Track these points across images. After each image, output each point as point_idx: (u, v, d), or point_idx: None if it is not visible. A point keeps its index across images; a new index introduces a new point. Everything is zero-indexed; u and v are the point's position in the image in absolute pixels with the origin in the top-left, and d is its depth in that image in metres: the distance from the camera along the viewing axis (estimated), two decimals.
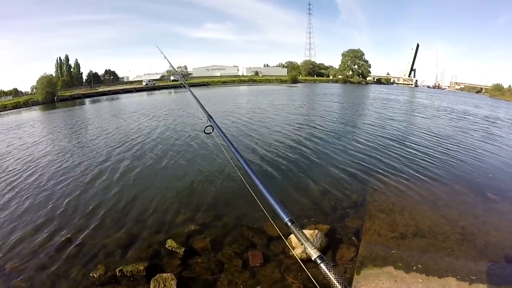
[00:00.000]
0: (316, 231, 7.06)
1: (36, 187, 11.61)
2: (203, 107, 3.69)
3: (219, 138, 2.91)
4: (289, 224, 1.29)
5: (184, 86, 5.81)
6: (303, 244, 1.13)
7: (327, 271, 0.97)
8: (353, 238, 7.44)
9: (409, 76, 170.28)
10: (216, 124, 2.99)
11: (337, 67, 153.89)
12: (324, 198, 9.71)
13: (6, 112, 53.50)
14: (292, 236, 6.72)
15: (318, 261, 1.03)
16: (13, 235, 8.15)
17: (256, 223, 7.95)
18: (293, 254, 6.52)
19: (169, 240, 7.18)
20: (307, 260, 6.20)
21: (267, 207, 1.70)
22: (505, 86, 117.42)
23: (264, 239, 7.29)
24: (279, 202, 1.45)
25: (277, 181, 11.30)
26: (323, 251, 6.67)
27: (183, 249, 6.87)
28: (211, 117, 3.21)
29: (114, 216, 8.89)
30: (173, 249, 6.95)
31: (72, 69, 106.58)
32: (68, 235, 7.96)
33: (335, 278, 0.91)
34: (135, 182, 11.42)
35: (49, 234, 8.10)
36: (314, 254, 1.06)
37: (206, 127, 3.13)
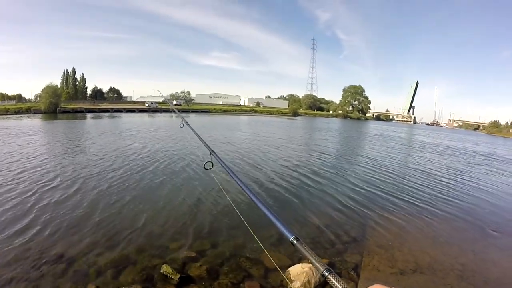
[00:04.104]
0: None
1: (29, 198, 11.32)
2: (205, 143, 3.66)
3: (217, 171, 2.89)
4: (295, 242, 1.28)
5: (185, 123, 5.63)
6: (310, 259, 1.13)
7: (336, 283, 0.97)
8: (352, 273, 7.31)
9: (408, 113, 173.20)
10: (218, 158, 2.96)
11: (338, 102, 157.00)
12: (322, 233, 9.58)
13: (7, 116, 53.82)
14: (290, 268, 6.73)
15: (326, 273, 1.03)
16: (1, 245, 7.98)
17: (253, 254, 7.81)
18: (291, 287, 6.42)
19: (164, 265, 6.99)
20: None
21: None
22: (502, 123, 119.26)
23: (262, 270, 7.13)
24: (282, 222, 1.44)
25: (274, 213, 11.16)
26: (322, 284, 6.56)
27: (178, 275, 6.69)
28: (213, 152, 3.18)
29: (108, 235, 8.67)
30: (168, 274, 6.76)
31: (77, 83, 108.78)
32: (59, 250, 7.72)
33: None
34: (131, 203, 11.21)
35: (39, 247, 7.88)
36: (321, 267, 1.06)
37: (206, 162, 3.10)
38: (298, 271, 6.55)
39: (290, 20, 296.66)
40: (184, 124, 5.58)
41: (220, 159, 2.86)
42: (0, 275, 6.74)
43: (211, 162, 3.05)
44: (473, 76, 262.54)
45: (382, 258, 8.11)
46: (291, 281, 6.46)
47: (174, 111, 7.89)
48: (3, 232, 8.75)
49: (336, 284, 0.97)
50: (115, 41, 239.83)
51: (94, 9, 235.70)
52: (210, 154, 3.17)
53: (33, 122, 43.25)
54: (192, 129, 4.67)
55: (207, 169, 3.09)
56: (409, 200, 13.46)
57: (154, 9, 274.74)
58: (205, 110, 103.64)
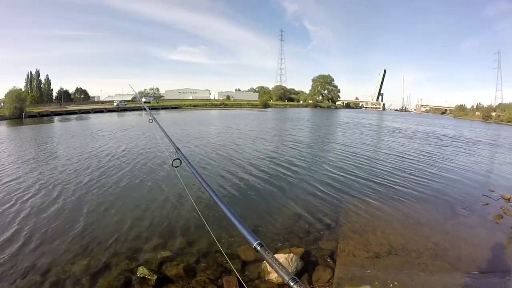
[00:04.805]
0: (291, 254, 6.99)
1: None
2: (171, 140, 3.62)
3: (186, 168, 2.82)
4: (258, 248, 1.25)
5: (153, 119, 5.64)
6: (274, 267, 1.07)
7: None
8: (329, 260, 7.42)
9: (377, 100, 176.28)
10: (184, 157, 2.91)
11: (308, 92, 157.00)
12: (297, 222, 9.69)
13: None
14: None
15: (291, 283, 0.98)
16: None
17: (229, 248, 7.79)
18: (269, 279, 6.43)
19: (140, 268, 6.86)
20: (284, 284, 6.14)
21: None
22: (468, 106, 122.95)
23: (239, 264, 7.13)
24: (246, 227, 1.41)
25: (249, 206, 11.19)
26: (299, 274, 6.63)
27: (156, 276, 6.59)
28: (178, 149, 3.13)
29: (81, 242, 8.38)
30: (145, 276, 6.64)
31: (42, 85, 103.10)
32: (32, 262, 7.42)
33: None
34: (102, 207, 10.86)
35: (10, 259, 7.55)
36: (286, 277, 1.01)
37: (174, 160, 3.03)
38: None
39: (257, 12, 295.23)
40: (153, 120, 5.55)
41: (186, 158, 2.81)
42: None
43: (179, 159, 2.99)
44: (439, 64, 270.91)
45: (357, 243, 8.28)
46: (268, 273, 6.49)
47: (144, 109, 7.86)
48: None
49: None
50: (78, 39, 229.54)
51: (54, 7, 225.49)
52: (176, 151, 3.11)
53: None
54: (160, 127, 4.62)
55: (175, 167, 3.03)
56: (381, 183, 13.90)
57: (117, 5, 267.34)
58: (175, 106, 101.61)
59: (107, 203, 11.34)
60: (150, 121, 5.78)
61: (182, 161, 2.97)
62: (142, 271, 6.78)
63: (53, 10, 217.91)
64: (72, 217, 10.13)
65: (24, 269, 7.15)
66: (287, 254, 6.96)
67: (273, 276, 6.39)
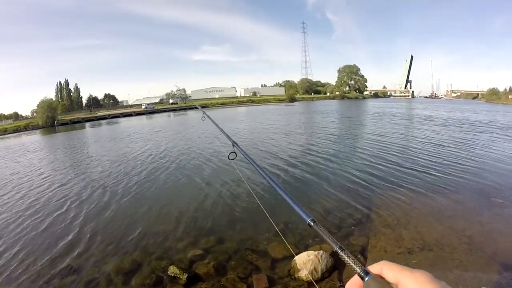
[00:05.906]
0: (321, 251, 6.91)
1: (36, 212, 11.58)
2: (227, 135, 3.70)
3: (235, 164, 2.86)
4: (312, 223, 1.28)
5: (205, 115, 5.74)
6: (325, 238, 1.11)
7: (347, 259, 0.94)
8: (360, 256, 7.28)
9: (405, 88, 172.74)
10: (242, 150, 2.93)
11: (334, 83, 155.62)
12: (327, 217, 9.57)
13: (7, 135, 54.27)
14: (296, 257, 6.71)
15: (339, 251, 1.00)
16: (13, 262, 8.04)
17: (259, 246, 7.82)
18: (298, 276, 6.40)
19: (171, 267, 7.02)
20: (314, 282, 6.11)
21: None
22: (501, 89, 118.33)
23: (268, 262, 7.14)
24: (300, 206, 1.44)
25: (281, 200, 11.15)
26: (329, 271, 6.55)
27: (186, 275, 6.71)
28: (236, 143, 3.17)
29: (114, 242, 8.76)
30: (175, 275, 6.78)
31: (72, 94, 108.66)
32: (68, 262, 7.82)
33: (354, 263, 0.88)
34: (135, 207, 11.34)
35: (48, 260, 7.98)
36: (334, 245, 1.04)
37: (230, 153, 3.10)
38: (304, 260, 6.53)
39: (277, 6, 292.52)
40: (205, 117, 5.67)
41: (244, 152, 2.85)
42: (8, 286, 6.85)
43: (235, 152, 3.03)
44: (467, 46, 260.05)
45: (389, 238, 8.07)
46: (298, 270, 6.46)
47: (196, 107, 8.05)
48: (12, 243, 8.99)
49: (347, 259, 0.95)
50: (104, 47, 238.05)
51: (79, 18, 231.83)
52: (233, 146, 3.17)
53: (35, 138, 43.79)
54: (214, 123, 4.75)
55: (232, 159, 3.09)
56: (413, 174, 13.48)
57: (140, 12, 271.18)
58: (203, 105, 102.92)
59: (150, 203, 11.78)
60: (203, 118, 5.88)
61: (237, 153, 3.02)
62: (173, 270, 6.94)
63: (79, 21, 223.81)
64: (117, 218, 10.58)
65: (60, 270, 7.58)
66: (317, 251, 6.87)
67: (303, 274, 6.35)
